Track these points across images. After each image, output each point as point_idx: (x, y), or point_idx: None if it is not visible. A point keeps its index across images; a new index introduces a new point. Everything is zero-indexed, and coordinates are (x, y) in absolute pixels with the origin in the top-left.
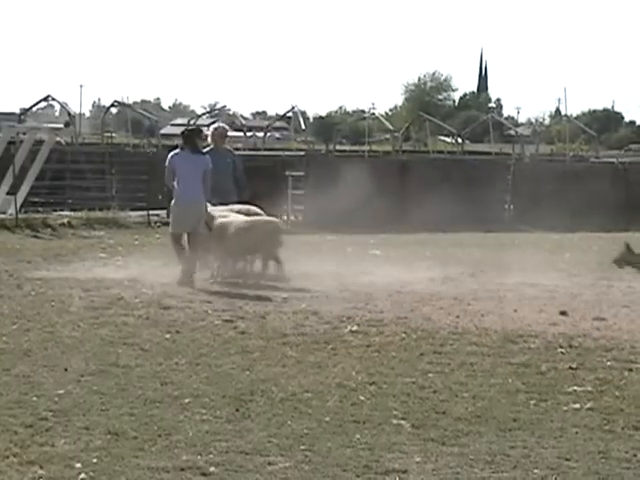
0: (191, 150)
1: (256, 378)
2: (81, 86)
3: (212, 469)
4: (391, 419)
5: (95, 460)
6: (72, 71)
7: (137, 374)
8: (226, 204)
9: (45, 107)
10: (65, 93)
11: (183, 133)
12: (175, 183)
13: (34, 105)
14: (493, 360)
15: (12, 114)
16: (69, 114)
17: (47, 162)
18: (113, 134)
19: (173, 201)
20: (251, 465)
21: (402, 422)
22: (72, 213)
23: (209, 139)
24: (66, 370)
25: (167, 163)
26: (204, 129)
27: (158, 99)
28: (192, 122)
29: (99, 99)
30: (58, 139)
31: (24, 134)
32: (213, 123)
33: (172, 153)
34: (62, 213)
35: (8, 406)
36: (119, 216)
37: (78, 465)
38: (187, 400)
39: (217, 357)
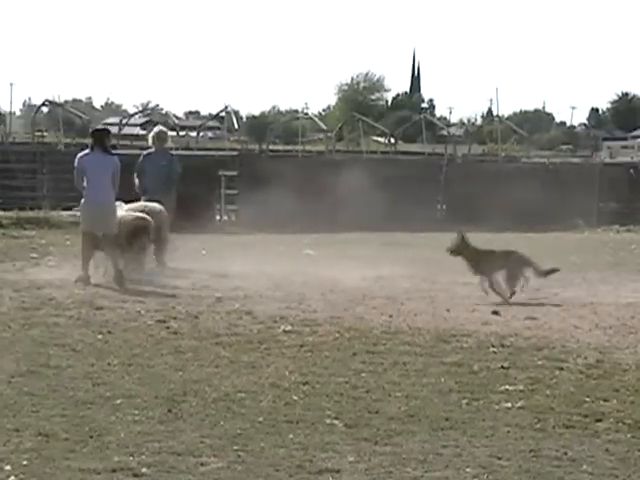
0: (100, 150)
1: (189, 378)
2: (11, 84)
3: (144, 470)
4: (324, 419)
5: (25, 462)
6: (2, 69)
7: (68, 375)
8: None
9: None
10: None
11: (92, 133)
12: (85, 184)
13: None
14: (426, 360)
15: None
16: None
17: None
18: (44, 133)
19: (82, 201)
20: (184, 466)
21: (335, 422)
22: (2, 213)
23: (149, 141)
24: None
25: (76, 164)
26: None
27: (90, 98)
28: (124, 121)
29: (30, 98)
30: None
31: None
32: (146, 122)
33: (80, 154)
34: None
35: None
36: (50, 216)
37: (8, 467)
38: (119, 401)
39: (150, 357)
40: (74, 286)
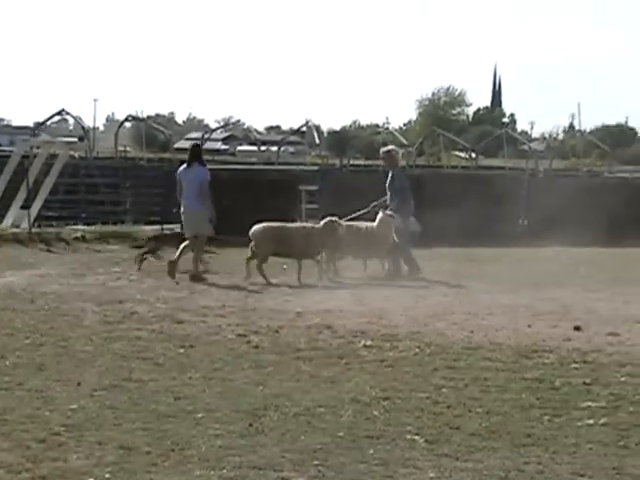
0: (194, 163)
1: (269, 393)
2: (95, 100)
3: None
4: (405, 434)
5: (108, 475)
6: (86, 85)
7: (150, 388)
8: None
9: (59, 121)
10: (79, 107)
11: (189, 149)
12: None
13: (48, 119)
14: (507, 375)
15: (26, 128)
16: (83, 128)
17: (61, 176)
18: (127, 148)
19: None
20: None
21: (416, 437)
22: (86, 227)
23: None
24: (79, 384)
25: (177, 177)
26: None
27: (172, 113)
28: (206, 136)
29: (113, 113)
30: (72, 153)
31: (38, 148)
32: (228, 137)
33: (180, 168)
34: (76, 227)
35: (20, 421)
36: (133, 230)
37: None
38: (200, 415)
39: (230, 372)
40: (156, 300)
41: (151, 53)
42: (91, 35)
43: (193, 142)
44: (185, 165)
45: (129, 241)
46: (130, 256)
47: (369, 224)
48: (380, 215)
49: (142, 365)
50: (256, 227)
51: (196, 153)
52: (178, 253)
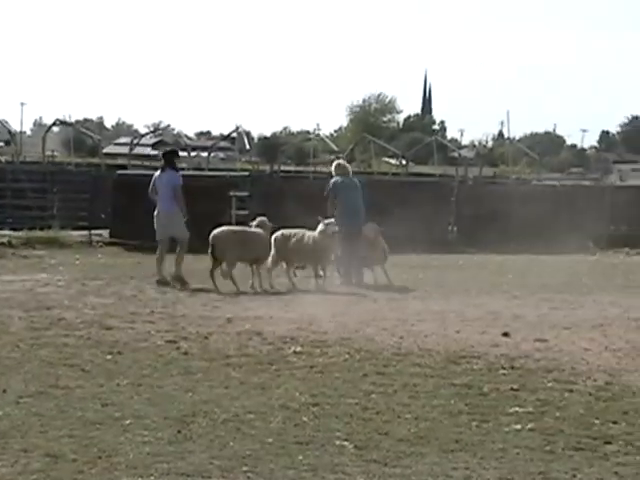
0: (168, 168)
1: (198, 399)
2: (22, 104)
3: None
4: (334, 440)
5: None
6: (13, 89)
7: (77, 395)
8: None
9: None
10: (6, 111)
11: (162, 154)
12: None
13: None
14: (436, 381)
15: None
16: (10, 132)
17: None
18: (55, 153)
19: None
20: None
21: (345, 443)
22: (12, 232)
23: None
24: (5, 391)
25: (151, 180)
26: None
27: (101, 118)
28: (135, 141)
29: (41, 117)
30: None
31: None
32: (157, 143)
33: (156, 173)
34: (2, 232)
35: None
36: (60, 235)
37: None
38: (128, 421)
39: (159, 378)
40: (83, 306)
41: (80, 57)
42: (18, 38)
43: (170, 148)
44: (159, 170)
45: (56, 246)
46: (57, 261)
47: (310, 233)
48: (321, 226)
49: (69, 372)
50: (218, 231)
51: (169, 159)
52: (158, 261)
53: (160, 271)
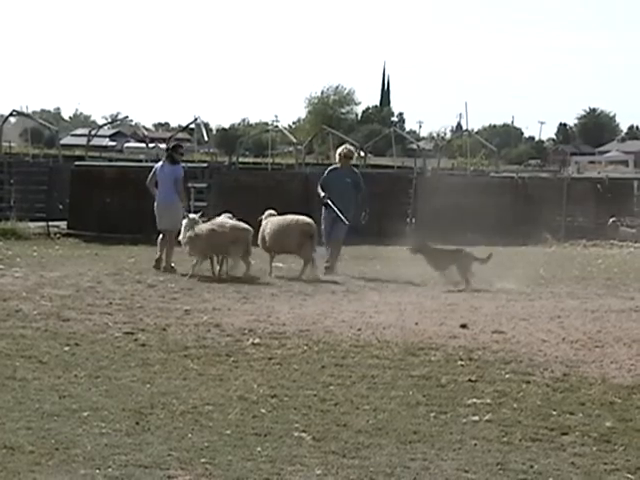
0: (169, 162)
1: (156, 391)
2: None
3: None
4: (292, 432)
5: None
6: None
7: (35, 387)
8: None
9: None
10: None
11: (165, 149)
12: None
13: None
14: (394, 373)
15: None
16: None
17: None
18: (12, 144)
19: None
20: (151, 479)
21: (303, 435)
22: None
23: (336, 158)
24: None
25: (152, 172)
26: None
27: (58, 109)
28: (93, 132)
29: None
30: None
31: None
32: (115, 134)
33: (157, 165)
34: None
35: None
36: (17, 227)
37: None
38: (86, 413)
39: (117, 370)
40: (41, 298)
41: (37, 47)
42: None
43: (174, 143)
44: (161, 163)
45: (13, 238)
46: (14, 253)
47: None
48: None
49: (26, 364)
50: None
51: (171, 152)
52: (159, 248)
53: (168, 258)
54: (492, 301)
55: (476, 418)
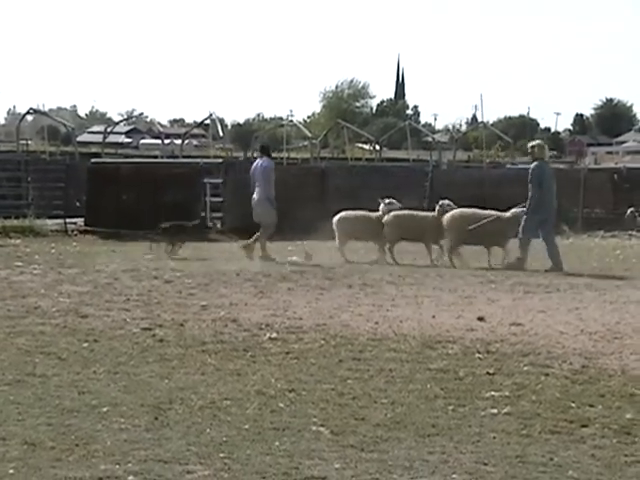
0: (262, 158)
1: (175, 386)
2: None
3: (130, 478)
4: (310, 426)
5: (12, 471)
6: None
7: (54, 383)
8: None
9: None
10: None
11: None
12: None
13: None
14: (412, 366)
15: None
16: None
17: None
18: (29, 142)
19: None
20: (170, 474)
21: (321, 429)
22: None
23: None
24: None
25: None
26: None
27: (74, 106)
28: (109, 129)
29: (14, 106)
30: None
31: None
32: (131, 131)
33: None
34: None
35: None
36: (35, 224)
37: None
38: (105, 409)
39: (135, 365)
40: (59, 294)
41: (53, 45)
42: None
43: (263, 143)
44: (256, 162)
45: (31, 235)
46: (32, 250)
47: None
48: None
49: (46, 360)
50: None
51: (263, 151)
52: (253, 238)
53: (263, 250)
54: (509, 293)
55: (495, 411)
